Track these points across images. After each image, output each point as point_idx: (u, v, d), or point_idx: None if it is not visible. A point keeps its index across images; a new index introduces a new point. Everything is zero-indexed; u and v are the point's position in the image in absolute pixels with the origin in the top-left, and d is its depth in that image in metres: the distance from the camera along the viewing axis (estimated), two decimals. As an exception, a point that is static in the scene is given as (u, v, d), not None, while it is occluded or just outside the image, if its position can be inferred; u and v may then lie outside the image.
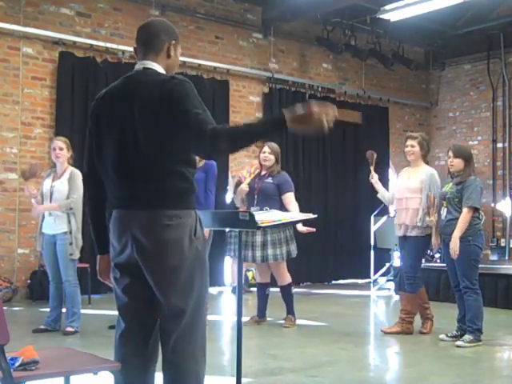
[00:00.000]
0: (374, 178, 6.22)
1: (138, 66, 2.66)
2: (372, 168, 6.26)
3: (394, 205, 6.19)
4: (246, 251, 6.22)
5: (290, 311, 6.41)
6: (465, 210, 5.37)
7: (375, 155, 6.31)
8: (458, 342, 5.36)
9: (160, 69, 2.62)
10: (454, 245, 5.33)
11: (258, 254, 6.15)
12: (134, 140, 2.50)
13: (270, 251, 6.13)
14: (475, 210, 5.41)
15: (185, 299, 2.52)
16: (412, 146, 5.96)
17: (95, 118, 2.64)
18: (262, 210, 5.74)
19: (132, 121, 2.50)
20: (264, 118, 2.54)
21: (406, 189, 5.93)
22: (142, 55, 2.66)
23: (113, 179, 2.59)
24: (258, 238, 6.14)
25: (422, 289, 6.03)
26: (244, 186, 6.35)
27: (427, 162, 6.11)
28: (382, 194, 6.22)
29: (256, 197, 6.25)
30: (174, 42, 2.66)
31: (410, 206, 5.85)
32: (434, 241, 5.81)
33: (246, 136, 2.45)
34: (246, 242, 6.20)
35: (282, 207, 6.22)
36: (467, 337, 5.37)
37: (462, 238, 5.39)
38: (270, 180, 6.30)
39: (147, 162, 2.49)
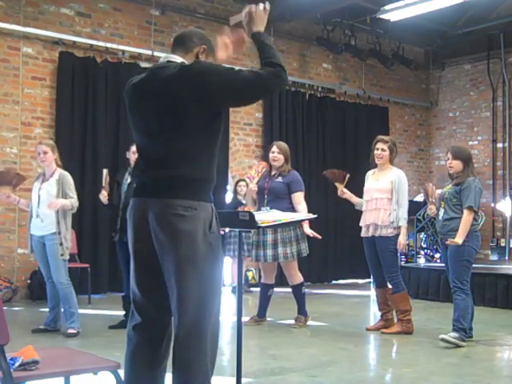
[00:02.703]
0: (347, 193, 6.12)
1: (162, 60, 2.72)
2: (339, 184, 6.09)
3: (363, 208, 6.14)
4: (257, 250, 6.22)
5: (301, 311, 6.39)
6: (465, 211, 5.38)
7: (346, 174, 6.11)
8: (443, 335, 5.37)
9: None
10: (454, 242, 5.33)
11: (269, 252, 6.14)
12: (162, 128, 2.55)
13: (280, 250, 6.12)
14: (475, 211, 5.42)
15: (193, 292, 2.50)
16: (383, 150, 6.03)
17: (127, 110, 2.74)
18: (269, 209, 5.73)
19: (159, 111, 2.56)
20: (264, 49, 2.76)
21: (376, 190, 6.00)
22: (171, 52, 2.73)
23: (139, 165, 2.67)
24: (269, 237, 6.14)
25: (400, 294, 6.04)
26: (253, 186, 6.32)
27: (393, 165, 6.14)
28: (360, 204, 6.17)
29: (266, 196, 6.24)
30: (205, 47, 2.73)
31: (381, 207, 5.93)
32: (402, 240, 5.84)
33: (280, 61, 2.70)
34: (258, 241, 6.20)
35: (292, 206, 6.23)
36: (452, 333, 5.39)
37: None
38: (279, 179, 6.29)
39: (170, 150, 2.54)
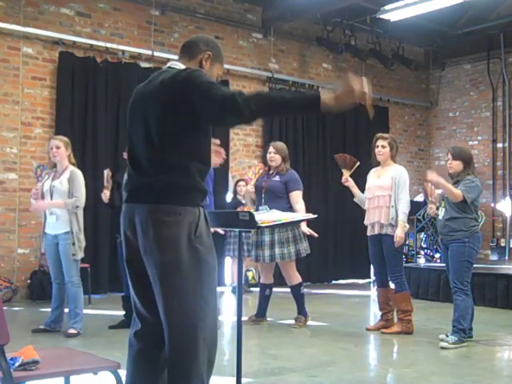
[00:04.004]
0: (351, 182, 6.13)
1: (166, 65, 2.72)
2: (345, 171, 6.12)
3: (366, 206, 6.14)
4: (256, 251, 6.22)
5: (301, 311, 6.39)
6: (460, 192, 5.35)
7: (357, 162, 6.13)
8: (443, 344, 5.34)
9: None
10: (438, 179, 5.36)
11: (267, 253, 6.14)
12: (148, 134, 2.54)
13: (277, 250, 6.12)
14: (467, 203, 5.37)
15: (179, 298, 2.48)
16: (383, 147, 6.03)
17: (128, 115, 2.73)
18: (269, 208, 5.74)
19: (146, 115, 2.55)
20: (298, 95, 2.41)
21: (377, 187, 5.99)
22: (178, 58, 2.73)
23: (129, 171, 2.65)
24: (266, 238, 6.14)
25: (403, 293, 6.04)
26: (250, 187, 6.34)
27: (395, 162, 6.13)
28: (360, 197, 6.19)
29: (263, 195, 6.25)
30: (210, 53, 2.70)
31: (383, 204, 5.92)
32: (398, 233, 5.79)
33: (278, 107, 2.39)
34: (257, 241, 6.21)
35: (291, 206, 6.23)
36: (451, 338, 5.36)
37: (459, 240, 5.41)
38: (277, 178, 6.30)
39: (157, 156, 2.51)
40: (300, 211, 6.03)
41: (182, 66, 2.65)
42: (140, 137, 2.58)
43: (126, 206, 2.63)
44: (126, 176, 2.72)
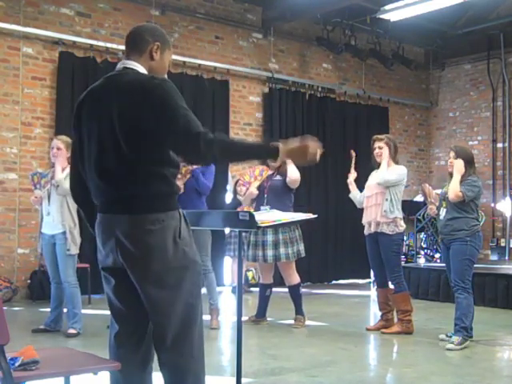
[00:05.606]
0: (350, 178, 6.29)
1: (119, 66, 2.64)
2: (353, 168, 6.34)
3: (364, 205, 6.18)
4: (256, 250, 6.21)
5: (299, 311, 6.40)
6: (459, 192, 5.37)
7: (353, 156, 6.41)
8: (449, 345, 5.32)
9: (142, 69, 2.58)
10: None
11: (270, 253, 6.13)
12: (115, 142, 2.45)
13: (282, 250, 6.12)
14: (465, 201, 5.40)
15: (173, 301, 2.49)
16: (380, 148, 6.03)
17: (77, 120, 2.63)
18: (271, 208, 5.75)
19: (112, 123, 2.45)
20: (259, 143, 2.70)
21: (377, 185, 5.99)
22: (126, 56, 2.65)
23: (96, 182, 2.54)
24: (270, 238, 6.14)
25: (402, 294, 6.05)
26: (253, 190, 6.33)
27: (397, 162, 6.14)
28: (354, 194, 6.26)
29: (266, 196, 6.26)
30: (158, 43, 2.61)
31: (382, 202, 5.94)
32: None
33: (239, 153, 2.52)
34: (256, 241, 6.20)
35: (293, 203, 6.33)
36: (455, 338, 5.34)
37: (460, 238, 5.41)
38: (278, 177, 6.36)
39: (129, 165, 2.44)
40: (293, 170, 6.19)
41: (138, 67, 2.57)
42: (106, 143, 2.47)
43: (104, 216, 2.53)
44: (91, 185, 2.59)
